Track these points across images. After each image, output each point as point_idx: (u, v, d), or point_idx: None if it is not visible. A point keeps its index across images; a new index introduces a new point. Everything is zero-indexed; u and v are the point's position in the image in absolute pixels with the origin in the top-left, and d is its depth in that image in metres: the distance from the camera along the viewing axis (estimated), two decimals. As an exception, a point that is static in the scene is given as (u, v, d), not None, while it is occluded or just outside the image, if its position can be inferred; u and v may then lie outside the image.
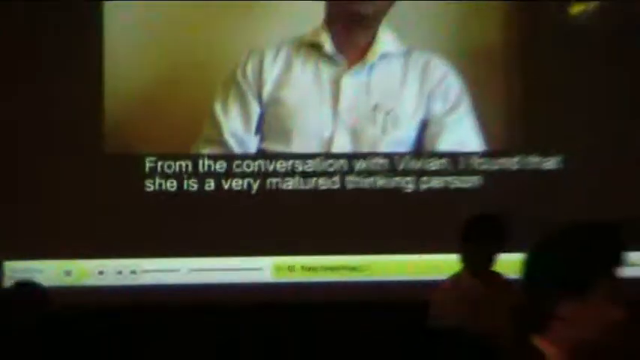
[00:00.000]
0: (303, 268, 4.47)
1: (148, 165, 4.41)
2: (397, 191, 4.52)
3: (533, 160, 4.61)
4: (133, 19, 4.41)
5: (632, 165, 4.58)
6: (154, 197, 4.41)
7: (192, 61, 4.39)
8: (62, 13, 4.40)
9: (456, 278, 3.58)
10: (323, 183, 4.51)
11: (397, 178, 4.53)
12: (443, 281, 3.62)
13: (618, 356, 1.80)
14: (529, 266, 1.66)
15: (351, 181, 4.53)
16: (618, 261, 1.65)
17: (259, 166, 4.46)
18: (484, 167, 4.57)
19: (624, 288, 1.65)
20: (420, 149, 4.51)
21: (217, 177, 4.45)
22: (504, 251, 3.41)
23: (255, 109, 4.40)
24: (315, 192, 4.49)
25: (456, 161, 4.56)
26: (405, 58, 4.47)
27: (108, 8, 4.39)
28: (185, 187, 4.44)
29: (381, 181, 4.53)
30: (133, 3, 4.40)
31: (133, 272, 4.38)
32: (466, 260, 3.54)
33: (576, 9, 4.63)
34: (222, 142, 4.41)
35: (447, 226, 3.70)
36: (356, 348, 4.18)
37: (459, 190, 4.54)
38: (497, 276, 3.49)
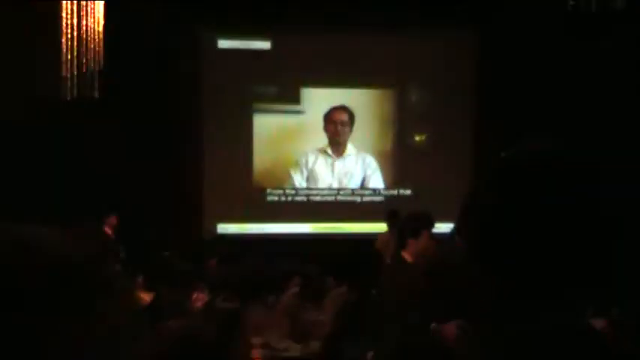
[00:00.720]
0: (322, 227, 12.42)
1: (267, 190, 12.48)
2: (351, 202, 12.66)
3: (398, 192, 12.69)
4: (268, 135, 12.54)
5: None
6: (272, 202, 12.37)
7: (281, 154, 12.38)
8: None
9: (386, 233, 10.91)
10: (328, 199, 12.57)
11: (353, 197, 12.65)
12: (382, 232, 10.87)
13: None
14: (402, 223, 5.95)
15: (340, 199, 12.58)
16: (431, 225, 5.64)
17: (308, 192, 12.51)
18: (385, 193, 12.69)
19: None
20: (363, 187, 12.64)
21: (291, 196, 12.53)
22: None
23: (305, 173, 12.32)
24: (326, 203, 12.58)
25: (375, 191, 12.69)
26: (356, 155, 12.39)
27: (257, 123, 12.47)
28: (283, 199, 12.39)
29: (348, 197, 12.65)
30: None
31: (262, 229, 12.45)
32: (390, 226, 10.62)
33: (418, 138, 12.76)
34: (293, 185, 12.50)
35: (371, 213, 11.78)
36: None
37: (373, 202, 12.66)
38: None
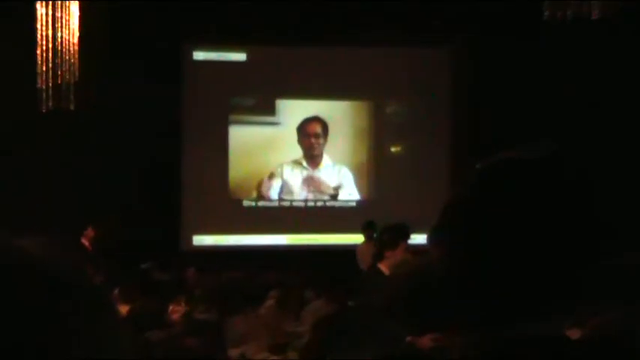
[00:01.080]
0: (296, 239, 12.41)
1: (244, 203, 12.45)
2: (327, 213, 12.62)
3: (374, 203, 12.68)
4: (243, 146, 12.53)
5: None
6: (248, 214, 12.34)
7: (257, 165, 12.41)
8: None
9: (364, 243, 10.77)
10: (304, 211, 12.56)
11: (328, 208, 12.61)
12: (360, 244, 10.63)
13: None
14: (378, 235, 7.24)
15: (315, 210, 12.54)
16: (407, 236, 6.01)
17: (283, 204, 12.41)
18: (360, 205, 12.69)
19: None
20: (338, 198, 12.66)
21: (268, 207, 12.52)
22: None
23: (279, 184, 12.31)
24: (301, 214, 12.56)
25: (351, 202, 12.70)
26: (332, 166, 12.43)
27: (233, 135, 12.48)
28: (259, 210, 12.35)
29: (323, 209, 12.62)
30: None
31: (238, 240, 12.40)
32: (366, 237, 10.52)
33: (394, 149, 12.79)
34: (267, 196, 12.51)
35: (347, 225, 11.82)
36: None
37: (349, 214, 12.66)
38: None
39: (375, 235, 9.05)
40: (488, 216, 1.34)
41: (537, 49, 11.23)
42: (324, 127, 12.34)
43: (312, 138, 12.31)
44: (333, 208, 12.52)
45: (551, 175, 1.36)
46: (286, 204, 12.43)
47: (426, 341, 3.87)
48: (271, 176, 12.35)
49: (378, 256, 5.87)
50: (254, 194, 12.40)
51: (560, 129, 10.74)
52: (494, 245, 1.33)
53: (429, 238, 1.43)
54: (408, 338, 3.85)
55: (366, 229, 9.89)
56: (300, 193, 12.45)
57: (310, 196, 12.44)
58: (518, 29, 10.97)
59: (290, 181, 12.37)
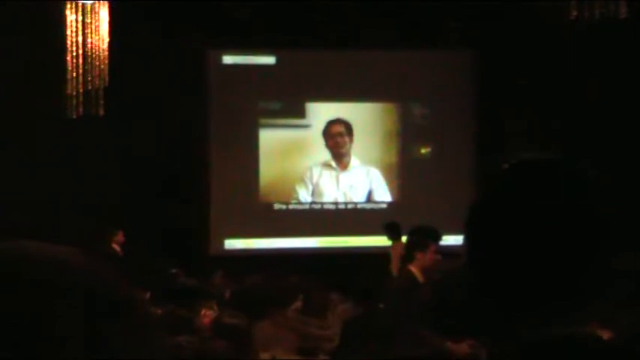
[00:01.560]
0: (327, 242, 12.38)
1: (275, 206, 12.44)
2: (357, 215, 12.57)
3: (403, 204, 12.66)
4: (273, 150, 12.54)
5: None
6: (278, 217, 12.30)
7: (288, 168, 12.39)
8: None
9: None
10: (334, 213, 12.53)
11: (359, 210, 12.59)
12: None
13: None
14: (408, 237, 6.76)
15: (346, 212, 12.52)
16: (438, 238, 6.29)
17: (314, 206, 12.44)
18: (391, 206, 12.65)
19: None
20: (368, 201, 12.66)
21: (299, 210, 12.51)
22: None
23: (310, 187, 12.33)
24: (332, 217, 12.51)
25: (381, 203, 12.65)
26: (361, 168, 12.44)
27: (263, 138, 12.49)
28: (290, 213, 12.32)
29: (354, 211, 12.62)
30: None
31: (270, 243, 12.32)
32: (390, 239, 10.47)
33: (423, 150, 12.78)
34: (298, 199, 12.52)
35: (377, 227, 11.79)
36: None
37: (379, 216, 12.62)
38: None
39: (398, 236, 9.35)
40: (513, 216, 1.35)
41: (563, 49, 11.16)
42: (348, 127, 12.40)
43: (337, 137, 12.37)
44: (364, 210, 12.51)
45: (579, 178, 1.37)
46: (317, 207, 12.46)
47: (464, 347, 3.93)
48: (302, 179, 12.38)
49: (408, 257, 5.86)
50: (284, 197, 12.43)
51: (585, 131, 10.93)
52: (519, 246, 1.33)
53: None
54: (447, 343, 4.07)
55: (389, 229, 9.80)
56: (330, 195, 12.47)
57: (340, 198, 12.45)
58: (543, 30, 10.90)
59: (321, 183, 12.40)
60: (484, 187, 1.46)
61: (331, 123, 12.41)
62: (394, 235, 9.47)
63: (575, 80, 11.27)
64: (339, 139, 12.35)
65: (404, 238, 7.10)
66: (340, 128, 12.39)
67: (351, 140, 12.38)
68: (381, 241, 11.33)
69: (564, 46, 10.98)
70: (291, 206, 12.46)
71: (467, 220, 1.42)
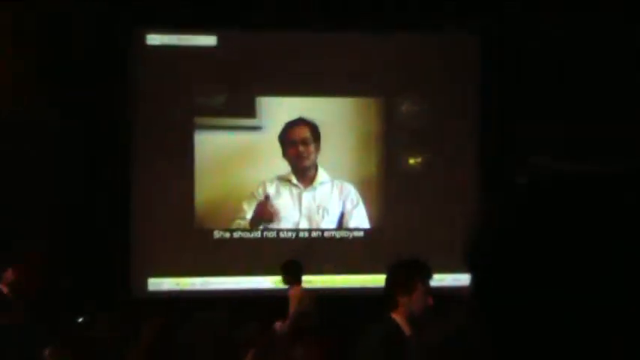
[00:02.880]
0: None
1: (215, 234, 12.35)
2: (326, 246, 12.41)
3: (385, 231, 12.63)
4: (212, 159, 12.49)
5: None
6: (219, 248, 12.18)
7: (233, 184, 12.28)
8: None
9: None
10: (296, 243, 12.29)
11: (328, 240, 12.43)
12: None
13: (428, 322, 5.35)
14: (389, 275, 5.74)
15: (311, 242, 12.34)
16: (428, 275, 5.75)
17: (268, 234, 12.28)
18: (369, 234, 12.64)
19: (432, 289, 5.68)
20: (340, 227, 12.58)
21: (246, 239, 12.43)
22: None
23: None
24: (289, 240, 12.30)
25: (358, 231, 12.53)
26: (331, 183, 12.32)
27: (199, 144, 12.39)
28: (235, 243, 12.05)
29: (321, 240, 12.47)
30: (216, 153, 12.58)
31: (208, 283, 12.25)
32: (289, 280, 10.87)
33: (412, 161, 12.77)
34: (245, 223, 12.44)
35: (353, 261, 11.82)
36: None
37: (355, 246, 12.57)
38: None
39: (297, 280, 10.42)
40: (533, 244, 1.30)
41: (584, 31, 11.38)
42: (313, 130, 12.39)
43: (299, 145, 12.33)
44: (333, 239, 12.51)
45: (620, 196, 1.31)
46: (271, 234, 12.44)
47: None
48: (251, 198, 12.34)
49: (390, 302, 5.82)
50: (228, 223, 12.40)
51: (614, 131, 11.05)
52: (540, 282, 1.29)
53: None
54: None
55: (286, 271, 10.59)
56: (289, 220, 12.45)
57: (303, 224, 12.45)
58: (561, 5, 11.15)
59: (277, 204, 12.37)
60: (495, 209, 1.39)
61: (291, 125, 12.37)
62: (292, 279, 10.39)
63: (604, 69, 11.43)
64: (301, 148, 12.33)
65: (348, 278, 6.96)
66: (303, 132, 12.37)
67: (318, 148, 12.36)
68: (357, 280, 11.89)
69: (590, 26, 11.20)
70: (236, 234, 12.41)
71: (472, 253, 1.39)
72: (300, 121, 12.38)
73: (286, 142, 12.34)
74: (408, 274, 5.80)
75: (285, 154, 12.32)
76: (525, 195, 1.35)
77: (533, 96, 11.85)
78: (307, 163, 12.41)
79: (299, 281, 10.50)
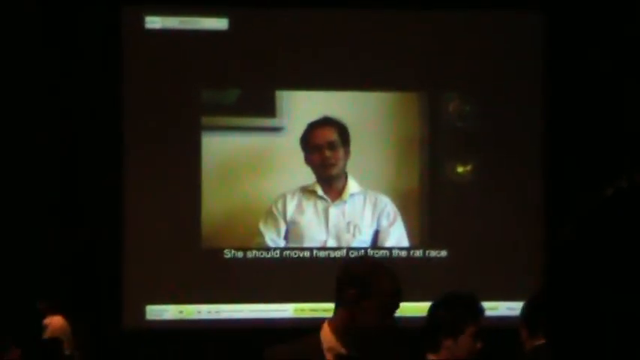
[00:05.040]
0: (309, 309, 11.58)
1: (225, 253, 11.76)
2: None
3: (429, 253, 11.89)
4: (223, 167, 11.81)
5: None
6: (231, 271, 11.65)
7: (248, 200, 11.69)
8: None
9: None
10: (322, 266, 11.52)
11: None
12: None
13: None
14: (431, 313, 5.52)
15: (341, 258, 11.59)
16: (478, 315, 5.37)
17: (289, 255, 11.72)
18: (405, 245, 12.00)
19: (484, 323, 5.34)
20: (375, 245, 11.85)
21: (263, 260, 11.83)
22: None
23: (283, 227, 11.67)
24: (315, 262, 11.69)
25: (396, 252, 11.90)
26: (363, 195, 11.74)
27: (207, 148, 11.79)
28: (251, 265, 11.56)
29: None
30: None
31: (217, 312, 11.69)
32: None
33: (460, 169, 12.16)
34: (264, 245, 11.78)
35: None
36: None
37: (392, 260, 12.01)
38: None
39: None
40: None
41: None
42: (342, 132, 11.96)
43: (324, 150, 11.84)
44: None
45: None
46: (294, 255, 12.00)
47: None
48: (270, 212, 11.87)
49: (429, 343, 5.61)
50: (241, 241, 11.96)
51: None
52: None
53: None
54: None
55: None
56: (314, 238, 11.98)
57: (331, 242, 11.98)
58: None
59: (300, 220, 11.91)
60: (572, 228, 1.79)
61: (314, 126, 11.94)
62: None
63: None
64: (327, 153, 11.86)
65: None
66: (329, 134, 11.92)
67: (348, 153, 11.93)
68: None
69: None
70: (251, 254, 11.96)
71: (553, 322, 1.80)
72: (325, 122, 11.92)
73: (309, 146, 11.85)
74: (455, 312, 5.60)
75: (307, 161, 11.84)
76: (606, 206, 1.56)
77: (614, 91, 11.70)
78: (334, 171, 11.90)
79: None
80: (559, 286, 1.94)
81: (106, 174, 11.72)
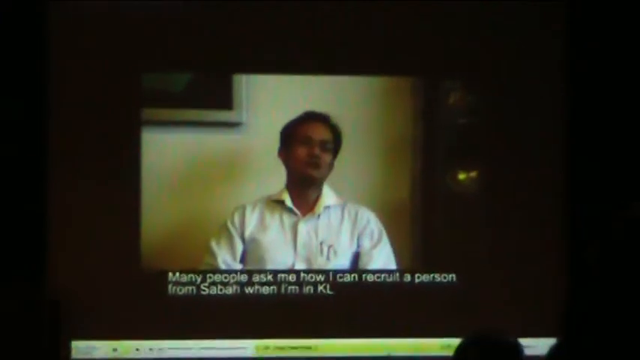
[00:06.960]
0: (275, 347, 10.59)
1: (170, 277, 10.66)
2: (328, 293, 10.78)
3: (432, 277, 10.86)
4: (168, 171, 10.69)
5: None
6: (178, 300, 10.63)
7: (198, 211, 10.63)
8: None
9: None
10: (289, 294, 10.66)
11: (339, 281, 10.75)
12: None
13: None
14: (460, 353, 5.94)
15: (310, 292, 10.64)
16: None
17: (248, 280, 10.67)
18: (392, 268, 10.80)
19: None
20: (355, 270, 10.73)
21: (215, 285, 10.72)
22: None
23: (239, 247, 10.54)
24: (280, 296, 10.68)
25: (381, 277, 10.77)
26: (341, 209, 10.59)
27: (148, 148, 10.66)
28: (201, 292, 10.63)
29: (323, 291, 10.78)
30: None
31: (160, 349, 10.57)
32: None
33: (462, 176, 11.01)
34: (216, 268, 10.67)
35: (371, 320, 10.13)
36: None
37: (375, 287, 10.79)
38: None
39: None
40: None
41: None
42: (337, 140, 11.04)
43: (315, 147, 10.89)
44: (344, 286, 11.09)
45: None
46: (255, 280, 10.98)
47: None
48: (224, 229, 10.89)
49: None
50: (190, 263, 10.98)
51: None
52: None
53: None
54: None
55: None
56: (278, 261, 10.94)
57: (300, 264, 11.02)
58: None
59: (260, 238, 10.90)
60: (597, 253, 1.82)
61: (313, 118, 10.99)
62: None
63: None
64: (317, 151, 10.96)
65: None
66: (327, 134, 11.00)
67: (332, 165, 11.05)
68: (376, 346, 10.75)
69: None
70: (203, 280, 10.92)
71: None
72: (324, 119, 10.97)
73: (297, 137, 10.86)
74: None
75: (285, 155, 10.91)
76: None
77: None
78: (318, 174, 10.87)
79: None
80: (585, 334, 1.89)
81: (28, 178, 10.91)
